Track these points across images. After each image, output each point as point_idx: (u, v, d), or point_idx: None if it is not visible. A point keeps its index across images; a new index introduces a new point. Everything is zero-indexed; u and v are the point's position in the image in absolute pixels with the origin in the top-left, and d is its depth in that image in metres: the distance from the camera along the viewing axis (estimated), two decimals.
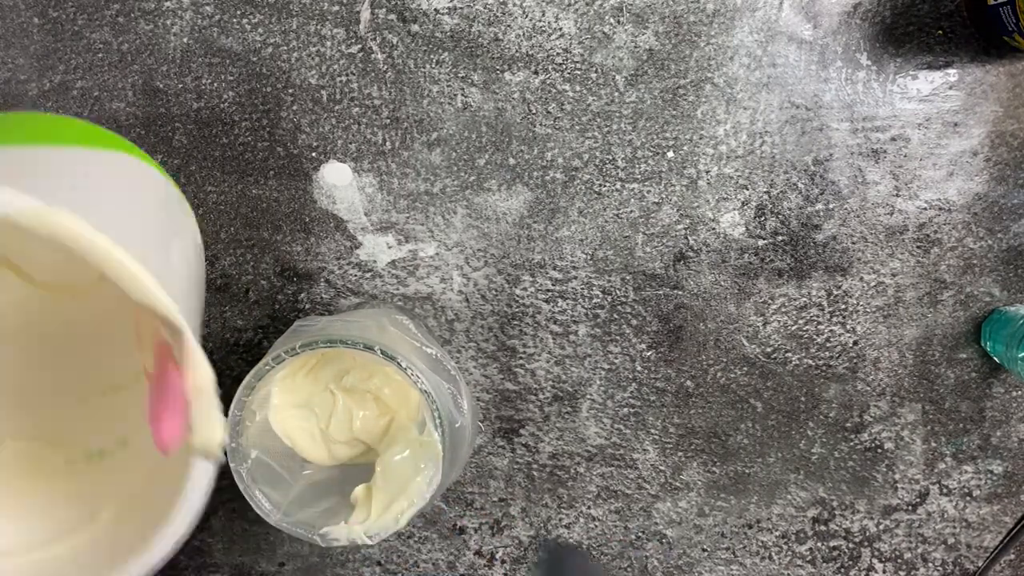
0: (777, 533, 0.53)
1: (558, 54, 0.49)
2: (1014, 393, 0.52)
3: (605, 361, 0.51)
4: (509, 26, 0.49)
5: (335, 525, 0.39)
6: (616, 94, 0.49)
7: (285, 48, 0.49)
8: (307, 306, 0.51)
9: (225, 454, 0.33)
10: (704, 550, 0.53)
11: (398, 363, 0.37)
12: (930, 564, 0.53)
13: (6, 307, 0.27)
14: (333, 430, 0.43)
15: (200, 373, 0.19)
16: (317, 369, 0.43)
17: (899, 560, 0.53)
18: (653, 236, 0.51)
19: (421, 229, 0.51)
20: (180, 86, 0.50)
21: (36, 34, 0.49)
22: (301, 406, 0.43)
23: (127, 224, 0.20)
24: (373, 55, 0.49)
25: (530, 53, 0.49)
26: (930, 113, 0.50)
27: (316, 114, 0.50)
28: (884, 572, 0.53)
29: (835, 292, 0.51)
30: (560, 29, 0.49)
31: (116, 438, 0.27)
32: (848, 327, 0.51)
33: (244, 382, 0.38)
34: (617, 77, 0.49)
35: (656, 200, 0.50)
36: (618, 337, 0.51)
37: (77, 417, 0.27)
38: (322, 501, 0.41)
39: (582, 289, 0.51)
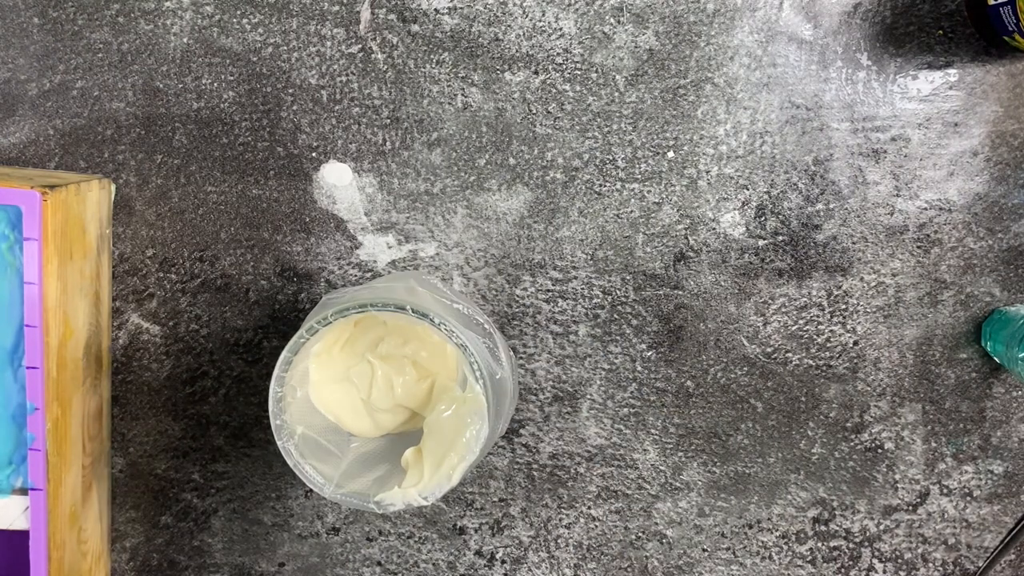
0: (777, 533, 0.53)
1: (558, 54, 0.49)
2: (1014, 393, 0.52)
3: (605, 361, 0.51)
4: (509, 26, 0.49)
5: (389, 491, 0.39)
6: (616, 94, 0.49)
7: (285, 48, 0.49)
8: (307, 306, 0.51)
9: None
10: (704, 550, 0.53)
11: (431, 320, 0.37)
12: (930, 564, 0.53)
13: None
14: (375, 399, 0.43)
15: None
16: (351, 341, 0.43)
17: (899, 560, 0.53)
18: (653, 236, 0.51)
19: (421, 229, 0.51)
20: (180, 86, 0.50)
21: (36, 34, 0.49)
22: (340, 380, 0.43)
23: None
24: (373, 55, 0.49)
25: (530, 53, 0.49)
26: (930, 113, 0.50)
27: (316, 114, 0.50)
28: (884, 572, 0.53)
29: (835, 292, 0.51)
30: (560, 29, 0.49)
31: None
32: (848, 327, 0.51)
33: (281, 357, 0.38)
34: (617, 77, 0.49)
35: (656, 200, 0.50)
36: (618, 337, 0.51)
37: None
38: (373, 471, 0.41)
39: (582, 289, 0.51)
